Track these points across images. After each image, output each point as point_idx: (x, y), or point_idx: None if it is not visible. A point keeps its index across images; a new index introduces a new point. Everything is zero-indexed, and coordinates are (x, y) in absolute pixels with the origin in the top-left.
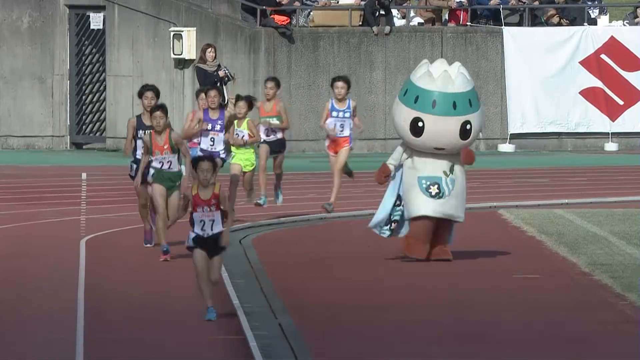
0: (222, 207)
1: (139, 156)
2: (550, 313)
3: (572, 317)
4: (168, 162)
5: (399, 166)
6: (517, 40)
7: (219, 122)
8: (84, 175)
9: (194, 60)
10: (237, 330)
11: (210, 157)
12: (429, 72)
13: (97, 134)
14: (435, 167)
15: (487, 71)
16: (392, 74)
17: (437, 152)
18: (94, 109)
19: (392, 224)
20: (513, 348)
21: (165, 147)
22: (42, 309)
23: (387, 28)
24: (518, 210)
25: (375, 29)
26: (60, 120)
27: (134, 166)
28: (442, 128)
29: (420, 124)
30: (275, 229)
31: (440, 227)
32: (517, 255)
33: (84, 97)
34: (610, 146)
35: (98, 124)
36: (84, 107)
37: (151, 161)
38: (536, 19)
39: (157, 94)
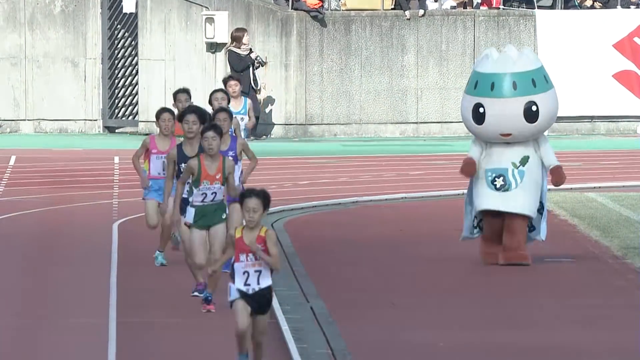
0: (269, 254)
1: (185, 195)
2: (582, 297)
3: (604, 300)
4: (213, 193)
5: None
6: (550, 23)
7: (230, 152)
8: (116, 159)
9: (225, 44)
10: (269, 314)
11: (262, 192)
12: (488, 55)
13: (130, 117)
14: (502, 158)
15: None
16: (424, 58)
17: (505, 140)
18: (126, 93)
19: (481, 221)
20: (546, 331)
21: (217, 176)
22: (75, 293)
23: (421, 11)
24: (550, 193)
25: (407, 13)
26: (93, 104)
27: (192, 210)
28: (503, 111)
29: (481, 109)
30: (307, 213)
31: (510, 223)
32: (549, 239)
33: (116, 81)
34: None
35: (130, 107)
36: (116, 91)
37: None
38: (569, 2)
39: (200, 116)
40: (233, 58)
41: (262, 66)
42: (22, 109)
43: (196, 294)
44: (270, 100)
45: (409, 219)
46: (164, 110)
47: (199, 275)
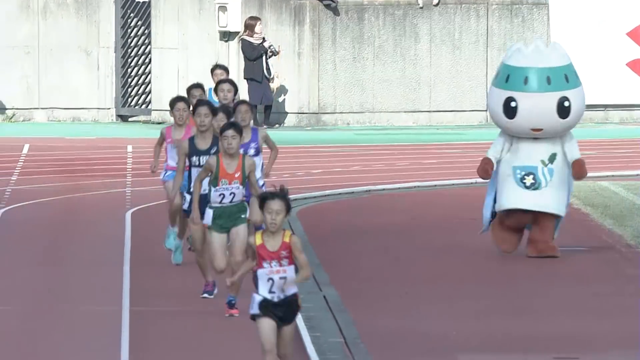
0: (295, 260)
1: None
2: (595, 285)
3: (617, 289)
4: (231, 194)
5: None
6: (563, 12)
7: (252, 144)
8: (129, 148)
9: (239, 32)
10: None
11: (283, 193)
12: (519, 49)
13: (142, 106)
14: (532, 156)
15: None
16: (437, 46)
17: (535, 135)
18: (139, 82)
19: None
20: (559, 320)
21: (236, 175)
22: (88, 281)
23: None
24: None
25: (420, 1)
26: (106, 93)
27: (187, 197)
28: (536, 106)
29: (513, 103)
30: (320, 202)
31: (541, 220)
32: (563, 228)
33: (129, 70)
34: None
35: (143, 96)
36: (129, 80)
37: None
38: None
39: (212, 109)
40: (246, 47)
41: (275, 55)
42: (35, 98)
43: (205, 295)
44: (283, 89)
45: (422, 207)
46: (178, 99)
47: (208, 275)
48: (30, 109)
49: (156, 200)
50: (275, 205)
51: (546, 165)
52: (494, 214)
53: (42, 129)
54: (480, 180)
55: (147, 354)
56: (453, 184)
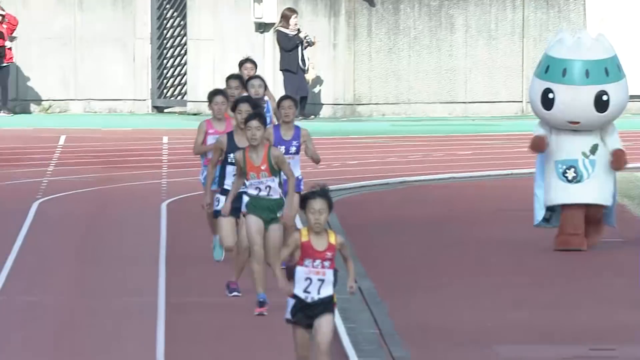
0: (345, 260)
1: (227, 186)
2: (632, 277)
3: None
4: (267, 187)
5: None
6: (599, 2)
7: (294, 142)
8: (165, 139)
9: (274, 23)
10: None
11: (324, 191)
12: (561, 40)
13: (178, 97)
14: (572, 149)
15: None
16: (473, 37)
17: (573, 128)
18: (175, 73)
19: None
20: (595, 313)
21: (263, 167)
22: (124, 272)
23: None
24: None
25: None
26: (142, 84)
27: (221, 199)
28: (573, 98)
29: (550, 95)
30: (355, 193)
31: (589, 213)
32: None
33: (165, 61)
34: None
35: (179, 87)
36: (165, 71)
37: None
38: None
39: (253, 106)
40: (282, 38)
41: (311, 46)
42: (71, 89)
43: (235, 294)
44: (318, 81)
45: (458, 199)
46: (216, 92)
47: (238, 274)
48: (67, 100)
49: (192, 191)
50: (317, 204)
51: (587, 157)
52: (546, 215)
53: (78, 120)
54: (516, 171)
55: (182, 346)
56: (489, 176)
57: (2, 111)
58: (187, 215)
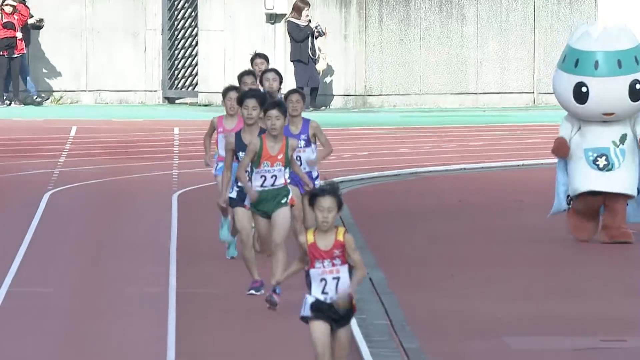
0: (348, 259)
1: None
2: None
3: None
4: (273, 176)
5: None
6: None
7: (302, 136)
8: (176, 130)
9: (285, 14)
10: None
11: (333, 189)
12: (588, 32)
13: (189, 88)
14: (603, 137)
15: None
16: (484, 28)
17: (606, 119)
18: (186, 64)
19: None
20: (607, 302)
21: (279, 157)
22: (135, 264)
23: None
24: None
25: None
26: (153, 75)
27: (234, 188)
28: (608, 90)
29: (584, 89)
30: (366, 184)
31: (612, 203)
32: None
33: (176, 52)
34: None
35: (190, 78)
36: (176, 62)
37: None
38: None
39: (261, 101)
40: (293, 28)
41: (322, 36)
42: (82, 80)
43: (252, 292)
44: (329, 71)
45: (468, 190)
46: (230, 88)
47: (255, 273)
48: (78, 91)
49: (203, 182)
50: (326, 202)
51: (617, 146)
52: (567, 198)
53: (89, 111)
54: (527, 162)
55: (193, 336)
56: (500, 167)
57: (13, 102)
58: (199, 206)
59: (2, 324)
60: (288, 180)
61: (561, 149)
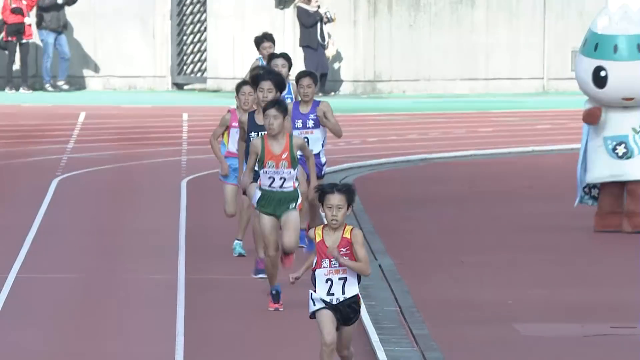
0: (354, 254)
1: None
2: None
3: None
4: (281, 178)
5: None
6: None
7: (312, 115)
8: (184, 116)
9: (294, 0)
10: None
11: (346, 188)
12: (607, 16)
13: (198, 74)
14: (622, 124)
15: (592, 12)
16: (494, 13)
17: (625, 104)
18: (195, 50)
19: (592, 190)
20: (617, 289)
21: (283, 156)
22: (144, 250)
23: None
24: None
25: None
26: (162, 61)
27: (258, 193)
28: (628, 74)
29: (602, 73)
30: (376, 170)
31: (636, 190)
32: None
33: (184, 38)
34: None
35: (199, 64)
36: (184, 48)
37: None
38: None
39: (277, 83)
40: (302, 14)
41: (331, 22)
42: (91, 66)
43: (262, 275)
44: (338, 57)
45: (478, 176)
46: (244, 83)
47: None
48: (86, 77)
49: (212, 168)
50: (335, 199)
51: (637, 133)
52: (590, 193)
53: (98, 97)
54: (538, 148)
55: (202, 322)
56: (510, 153)
57: (21, 88)
58: (207, 192)
59: (11, 310)
60: (297, 184)
61: (593, 114)
